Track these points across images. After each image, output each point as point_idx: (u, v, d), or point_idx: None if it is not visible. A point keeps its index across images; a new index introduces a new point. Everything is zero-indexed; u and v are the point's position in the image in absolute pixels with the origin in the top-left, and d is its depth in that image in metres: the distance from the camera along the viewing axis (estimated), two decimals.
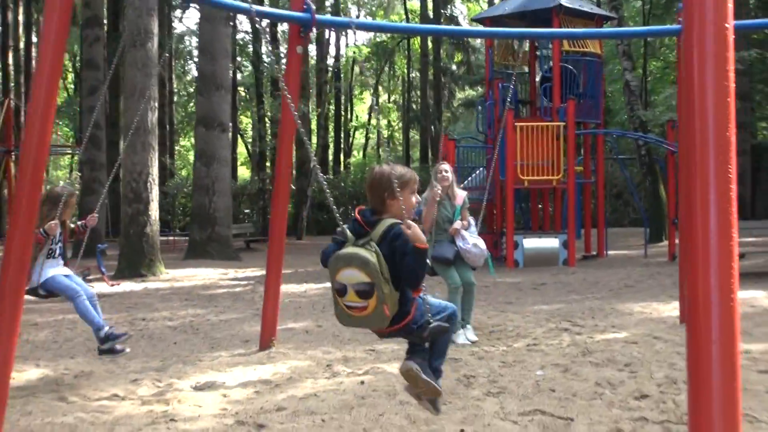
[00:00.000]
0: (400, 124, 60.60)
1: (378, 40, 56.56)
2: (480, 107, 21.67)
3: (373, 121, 65.72)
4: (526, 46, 21.11)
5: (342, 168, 54.94)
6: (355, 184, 44.93)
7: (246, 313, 11.33)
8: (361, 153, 67.39)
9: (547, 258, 17.52)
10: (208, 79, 20.71)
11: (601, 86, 20.42)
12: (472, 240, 8.27)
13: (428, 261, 8.38)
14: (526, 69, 21.44)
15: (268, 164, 41.13)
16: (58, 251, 7.08)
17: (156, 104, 17.32)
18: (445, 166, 8.40)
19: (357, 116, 65.65)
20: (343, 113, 60.45)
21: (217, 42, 20.57)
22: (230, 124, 20.97)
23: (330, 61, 51.53)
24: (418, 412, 5.39)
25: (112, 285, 14.14)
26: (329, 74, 48.68)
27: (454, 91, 55.27)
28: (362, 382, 6.57)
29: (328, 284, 4.38)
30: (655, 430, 4.94)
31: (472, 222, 8.64)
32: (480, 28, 19.60)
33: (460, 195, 8.52)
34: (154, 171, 16.85)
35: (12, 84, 46.28)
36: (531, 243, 17.62)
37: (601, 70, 20.23)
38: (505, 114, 17.30)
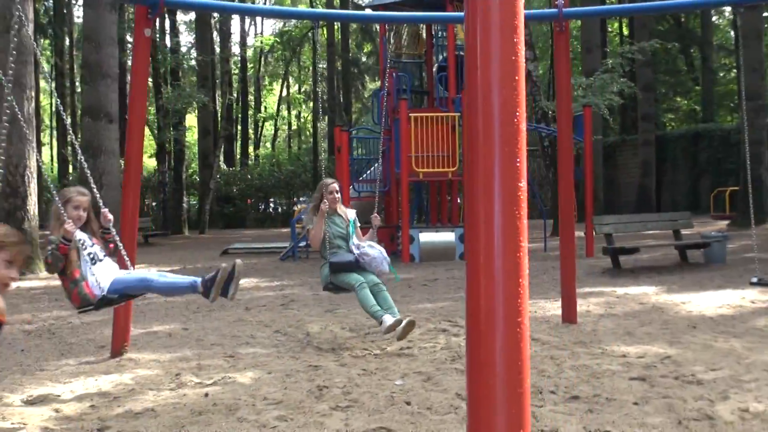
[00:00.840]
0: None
1: (286, 29, 56.22)
2: (375, 98, 21.45)
3: (283, 113, 65.36)
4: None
5: (250, 160, 54.40)
6: (261, 177, 44.49)
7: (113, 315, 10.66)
8: (270, 145, 67.04)
9: (444, 252, 17.27)
10: (93, 67, 19.89)
11: None
12: (365, 244, 8.03)
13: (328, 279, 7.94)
14: (423, 59, 21.29)
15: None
16: (99, 253, 6.14)
17: (33, 93, 16.51)
18: (336, 186, 8.18)
19: (266, 107, 65.17)
20: (252, 104, 59.88)
21: (102, 29, 19.79)
22: (118, 114, 20.11)
23: (236, 49, 50.94)
24: (255, 430, 5.14)
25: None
26: (233, 64, 47.95)
27: (364, 82, 55.24)
28: (206, 395, 6.16)
29: None
30: None
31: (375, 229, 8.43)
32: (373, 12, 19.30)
33: (351, 211, 8.39)
34: (32, 164, 16.13)
35: None
36: (427, 237, 17.38)
37: None
38: (398, 104, 17.10)
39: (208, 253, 22.16)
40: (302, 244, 19.31)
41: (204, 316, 10.40)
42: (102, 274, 5.95)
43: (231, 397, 6.02)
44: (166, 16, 36.42)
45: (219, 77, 43.01)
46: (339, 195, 8.15)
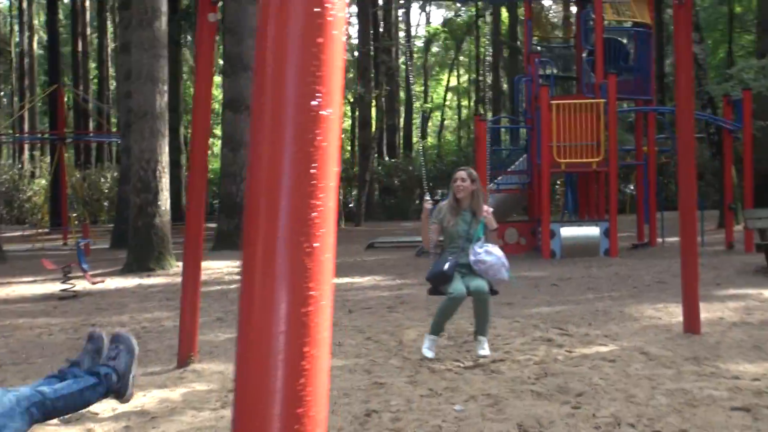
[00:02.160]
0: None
1: (450, 17, 56.02)
2: (517, 85, 20.67)
3: (452, 102, 65.22)
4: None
5: (412, 151, 54.43)
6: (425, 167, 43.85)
7: (212, 317, 10.59)
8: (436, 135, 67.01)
9: (586, 248, 16.30)
10: (233, 60, 20.13)
11: (651, 59, 18.72)
12: (483, 249, 7.05)
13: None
14: (572, 43, 20.32)
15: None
16: None
17: (166, 88, 16.54)
18: (463, 173, 7.21)
19: (433, 97, 65.33)
20: (419, 94, 60.01)
21: (243, 21, 19.90)
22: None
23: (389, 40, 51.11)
24: None
25: (95, 283, 13.62)
26: (400, 54, 48.13)
27: None
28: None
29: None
30: None
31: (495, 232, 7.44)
32: None
33: (486, 207, 7.20)
34: (164, 159, 16.27)
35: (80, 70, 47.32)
36: (569, 232, 16.48)
37: (650, 42, 18.62)
38: (539, 91, 16.35)
39: (354, 248, 21.84)
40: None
41: None
42: None
43: None
44: None
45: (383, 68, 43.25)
46: (467, 183, 7.11)
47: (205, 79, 7.56)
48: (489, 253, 6.96)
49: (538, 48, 18.51)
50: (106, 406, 6.18)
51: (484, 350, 7.03)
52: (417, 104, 59.59)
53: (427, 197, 7.29)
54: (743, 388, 5.76)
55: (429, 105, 61.21)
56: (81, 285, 13.38)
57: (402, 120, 53.37)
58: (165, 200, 16.31)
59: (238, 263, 16.92)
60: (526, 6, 19.32)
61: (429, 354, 7.01)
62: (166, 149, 16.44)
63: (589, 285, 12.17)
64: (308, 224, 1.70)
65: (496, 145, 19.91)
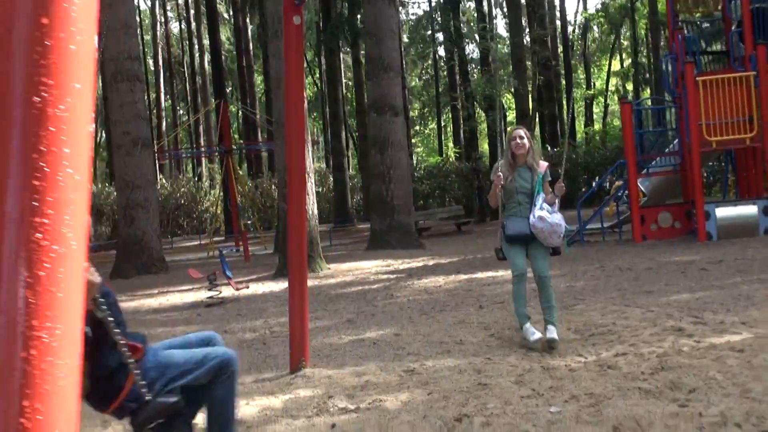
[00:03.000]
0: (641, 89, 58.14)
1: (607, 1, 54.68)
2: (664, 63, 19.92)
3: (612, 87, 63.58)
4: None
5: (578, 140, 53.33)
6: (589, 154, 42.81)
7: (343, 318, 10.55)
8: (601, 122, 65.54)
9: (745, 228, 15.47)
10: (375, 62, 20.23)
11: None
12: (539, 212, 6.99)
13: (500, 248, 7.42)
14: (720, 17, 19.45)
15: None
16: None
17: (304, 104, 16.19)
18: (521, 131, 7.30)
19: (596, 84, 64.02)
20: (582, 81, 59.09)
21: (382, 23, 20.07)
22: (403, 107, 20.54)
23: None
24: None
25: (238, 289, 13.86)
26: (556, 42, 47.45)
27: None
28: (333, 425, 5.64)
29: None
30: None
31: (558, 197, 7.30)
32: None
33: (543, 164, 7.34)
34: (308, 164, 16.19)
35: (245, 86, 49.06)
36: (724, 212, 15.65)
37: None
38: (684, 69, 15.83)
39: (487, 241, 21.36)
40: (593, 226, 18.92)
41: (429, 318, 9.85)
42: None
43: (358, 429, 5.45)
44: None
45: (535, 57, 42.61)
46: (524, 141, 7.18)
47: (297, 82, 7.67)
48: (542, 220, 6.90)
49: (680, 24, 17.92)
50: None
51: (552, 333, 6.99)
52: (579, 92, 58.69)
53: (499, 173, 7.18)
54: None
55: (591, 92, 59.91)
56: (228, 292, 13.73)
57: (564, 109, 52.45)
58: (311, 205, 16.46)
59: (388, 262, 17.24)
60: None
61: (534, 338, 6.99)
62: (310, 155, 16.64)
63: (739, 268, 11.54)
64: (31, 249, 1.42)
65: (644, 127, 19.43)
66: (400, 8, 48.76)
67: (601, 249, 16.12)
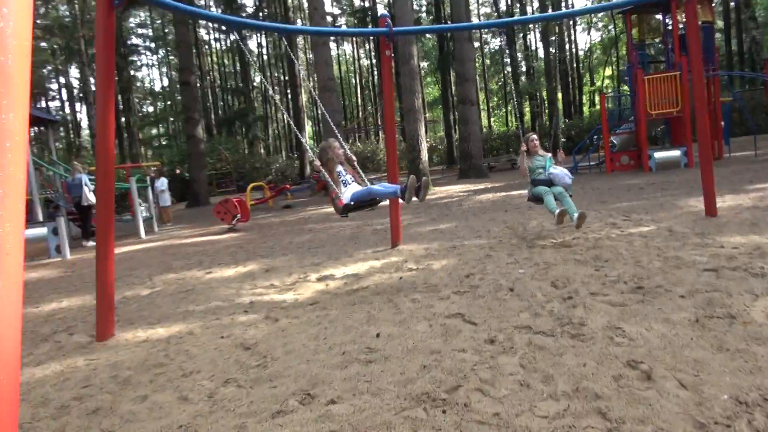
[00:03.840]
0: None
1: None
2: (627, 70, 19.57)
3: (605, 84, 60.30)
4: None
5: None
6: (589, 125, 41.49)
7: (429, 218, 10.30)
8: None
9: (672, 164, 14.96)
10: (461, 76, 20.24)
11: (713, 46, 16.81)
12: (554, 170, 6.85)
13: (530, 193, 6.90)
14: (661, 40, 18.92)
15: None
16: (349, 179, 5.64)
17: (419, 95, 17.21)
18: (533, 135, 7.16)
19: (595, 83, 60.70)
20: (587, 81, 56.27)
21: (465, 54, 20.08)
22: (476, 100, 20.97)
23: None
24: (391, 308, 4.45)
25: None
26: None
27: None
28: (400, 278, 5.55)
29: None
30: (523, 338, 3.50)
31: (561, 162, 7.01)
32: None
33: (547, 153, 7.22)
34: (422, 133, 16.96)
35: None
36: (660, 154, 15.16)
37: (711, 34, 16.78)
38: (636, 72, 15.80)
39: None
40: (584, 164, 19.07)
41: (476, 217, 9.58)
42: (348, 192, 5.51)
43: (410, 281, 5.36)
44: None
45: None
46: (536, 141, 7.12)
47: (389, 99, 7.39)
48: (556, 168, 6.81)
49: (635, 45, 17.68)
50: (341, 271, 6.22)
51: (576, 214, 6.42)
52: (586, 88, 55.39)
53: (523, 146, 6.97)
54: (721, 255, 4.90)
55: (593, 87, 56.77)
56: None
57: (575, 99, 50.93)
58: (424, 156, 17.13)
59: (466, 186, 16.92)
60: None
61: (558, 210, 6.47)
62: (423, 128, 17.19)
63: (663, 187, 11.01)
64: None
65: (615, 107, 19.23)
66: (484, 45, 48.10)
67: (587, 178, 15.74)
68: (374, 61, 47.96)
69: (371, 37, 42.56)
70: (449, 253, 6.61)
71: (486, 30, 46.46)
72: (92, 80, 47.19)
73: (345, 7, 48.98)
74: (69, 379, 3.79)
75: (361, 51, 56.08)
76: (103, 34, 4.33)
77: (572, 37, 41.42)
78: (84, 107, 50.78)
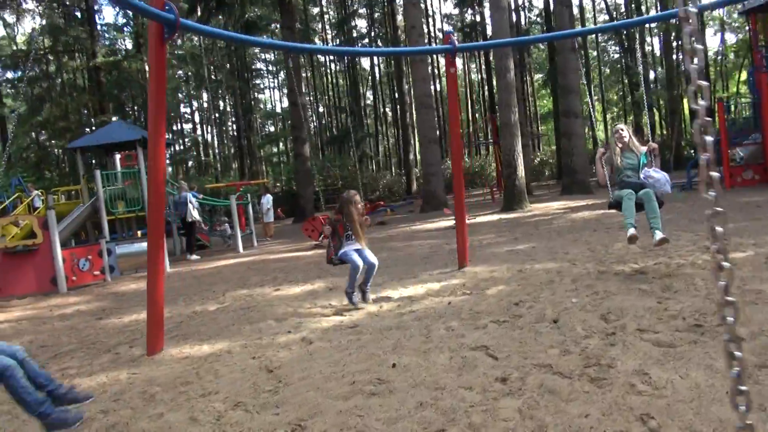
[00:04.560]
0: None
1: None
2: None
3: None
4: None
5: None
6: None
7: (512, 237, 9.92)
8: None
9: None
10: (564, 89, 19.56)
11: None
12: (651, 172, 5.90)
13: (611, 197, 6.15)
14: None
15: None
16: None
17: (516, 110, 16.63)
18: (619, 126, 6.27)
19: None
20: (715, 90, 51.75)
21: (568, 65, 19.30)
22: (580, 113, 19.92)
23: None
24: (420, 337, 4.28)
25: (468, 219, 13.12)
26: None
27: None
28: (449, 303, 5.32)
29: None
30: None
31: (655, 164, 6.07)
32: None
33: (642, 147, 6.16)
34: (518, 148, 16.36)
35: None
36: None
37: None
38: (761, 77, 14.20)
39: None
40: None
41: (560, 237, 9.07)
42: (344, 248, 5.75)
43: (457, 307, 5.12)
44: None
45: None
46: (624, 132, 6.13)
47: (455, 116, 7.29)
48: (657, 172, 5.86)
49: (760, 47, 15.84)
50: (398, 294, 6.12)
51: (658, 235, 5.44)
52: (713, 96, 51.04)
53: (600, 148, 6.26)
54: None
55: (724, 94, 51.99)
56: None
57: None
58: (521, 171, 16.42)
59: (566, 203, 16.15)
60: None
61: (633, 231, 5.64)
62: (519, 143, 16.53)
63: None
64: None
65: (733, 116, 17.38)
66: (603, 54, 45.99)
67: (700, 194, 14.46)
68: (484, 75, 47.38)
69: (479, 52, 42.16)
70: (513, 277, 6.30)
71: (603, 36, 44.37)
72: (221, 104, 50.85)
73: (456, 23, 48.98)
74: (106, 392, 3.99)
75: (472, 65, 55.69)
76: (155, 65, 4.60)
77: (702, 39, 38.16)
78: (213, 128, 54.85)
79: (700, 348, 3.36)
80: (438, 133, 25.50)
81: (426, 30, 50.81)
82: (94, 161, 19.34)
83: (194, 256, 13.15)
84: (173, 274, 10.85)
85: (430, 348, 4.02)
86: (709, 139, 1.25)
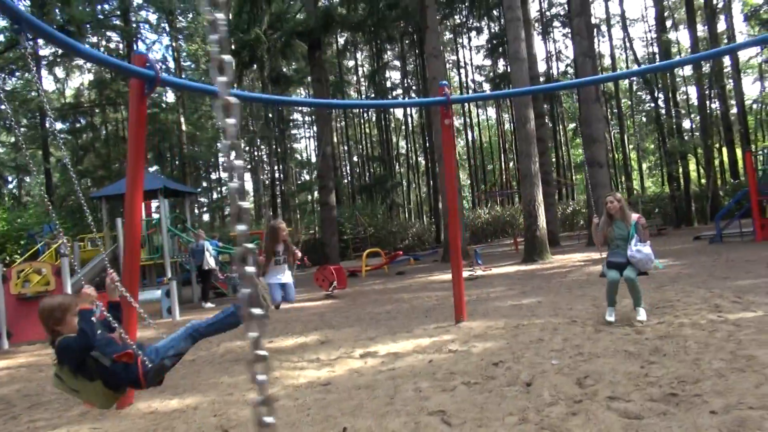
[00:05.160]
0: None
1: None
2: None
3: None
4: None
5: None
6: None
7: (522, 290, 9.60)
8: None
9: None
10: (588, 138, 19.31)
11: None
12: (636, 248, 5.97)
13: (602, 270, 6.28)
14: None
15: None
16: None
17: (536, 159, 16.54)
18: (610, 197, 6.25)
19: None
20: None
21: (591, 114, 19.04)
22: (605, 162, 19.48)
23: None
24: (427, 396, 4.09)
25: (484, 270, 13.57)
26: None
27: None
28: (430, 361, 5.12)
29: None
30: None
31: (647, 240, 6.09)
32: None
33: (634, 216, 6.19)
34: (539, 198, 16.11)
35: None
36: None
37: None
38: None
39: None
40: (731, 231, 16.43)
41: (568, 292, 8.70)
42: (273, 273, 6.53)
43: (436, 366, 4.92)
44: None
45: None
46: (614, 203, 6.12)
47: (450, 168, 7.07)
48: (639, 252, 5.89)
49: None
50: (385, 348, 5.90)
51: (641, 316, 5.86)
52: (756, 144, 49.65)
53: (595, 217, 6.36)
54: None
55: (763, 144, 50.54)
56: (480, 272, 13.37)
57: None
58: (542, 221, 16.08)
59: (589, 255, 14.23)
60: None
61: (610, 318, 6.00)
62: (540, 193, 16.27)
63: None
64: None
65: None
66: (638, 104, 45.65)
67: (729, 247, 13.71)
68: (516, 125, 47.40)
69: (510, 101, 42.41)
70: (505, 334, 6.07)
71: (636, 84, 44.06)
72: (257, 153, 52.12)
73: (489, 73, 49.53)
74: None
75: (505, 115, 55.98)
76: (135, 117, 4.70)
77: (739, 87, 37.43)
78: (251, 176, 56.04)
79: (667, 421, 3.10)
80: (459, 182, 25.30)
81: (458, 80, 51.51)
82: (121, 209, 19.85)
83: (208, 304, 13.20)
84: (182, 322, 10.84)
85: (388, 411, 3.84)
86: None
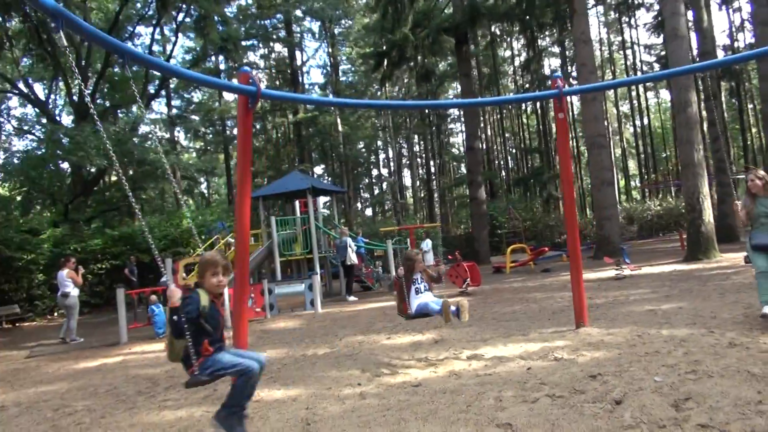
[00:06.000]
0: None
1: None
2: None
3: None
4: None
5: None
6: None
7: (669, 293, 8.72)
8: None
9: None
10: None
11: None
12: None
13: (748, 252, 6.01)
14: None
15: None
16: (422, 287, 6.11)
17: (701, 147, 14.71)
18: (752, 174, 5.85)
19: None
20: None
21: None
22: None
23: None
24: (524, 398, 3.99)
25: (633, 269, 12.57)
26: None
27: None
28: (529, 369, 4.94)
29: None
30: None
31: None
32: None
33: None
34: (705, 191, 14.39)
35: None
36: None
37: None
38: None
39: None
40: None
41: (721, 296, 7.85)
42: (416, 301, 5.91)
43: (533, 374, 4.73)
44: None
45: None
46: (758, 182, 5.72)
47: (565, 161, 6.82)
48: None
49: None
50: (496, 352, 5.78)
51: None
52: None
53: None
54: None
55: None
56: (627, 272, 12.44)
57: None
58: (708, 215, 14.45)
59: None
60: None
61: (766, 309, 5.44)
62: (706, 184, 14.61)
63: None
64: None
65: None
66: None
67: None
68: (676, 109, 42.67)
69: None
70: (623, 343, 5.60)
71: None
72: (415, 148, 53.24)
73: (660, 52, 45.35)
74: (174, 428, 4.39)
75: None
76: (242, 128, 5.13)
77: None
78: (408, 171, 57.50)
79: None
80: (613, 174, 23.62)
81: (624, 63, 47.81)
82: (277, 208, 21.48)
83: (352, 297, 13.88)
84: (323, 314, 11.55)
85: (459, 419, 3.80)
86: None
